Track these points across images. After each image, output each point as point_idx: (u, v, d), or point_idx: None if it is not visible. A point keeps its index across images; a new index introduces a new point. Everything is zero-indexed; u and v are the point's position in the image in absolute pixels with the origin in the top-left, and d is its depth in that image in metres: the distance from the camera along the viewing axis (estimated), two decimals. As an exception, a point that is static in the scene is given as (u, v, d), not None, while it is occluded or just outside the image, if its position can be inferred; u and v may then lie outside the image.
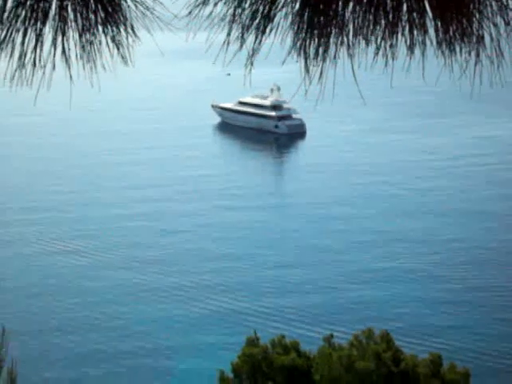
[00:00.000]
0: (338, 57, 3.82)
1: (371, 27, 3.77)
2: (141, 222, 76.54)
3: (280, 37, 3.76)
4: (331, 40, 3.77)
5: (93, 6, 3.88)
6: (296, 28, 3.75)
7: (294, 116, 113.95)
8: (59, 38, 3.88)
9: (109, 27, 3.93)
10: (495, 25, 3.76)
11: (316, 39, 3.76)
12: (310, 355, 23.07)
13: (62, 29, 3.87)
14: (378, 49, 3.79)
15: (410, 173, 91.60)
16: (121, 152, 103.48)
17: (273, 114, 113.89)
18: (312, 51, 3.79)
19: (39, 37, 3.86)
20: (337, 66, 3.87)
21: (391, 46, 3.80)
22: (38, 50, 3.87)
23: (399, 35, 3.80)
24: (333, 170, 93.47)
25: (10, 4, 3.82)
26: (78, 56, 3.95)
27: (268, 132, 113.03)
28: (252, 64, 3.81)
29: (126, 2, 3.90)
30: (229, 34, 3.74)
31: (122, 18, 3.92)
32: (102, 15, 3.91)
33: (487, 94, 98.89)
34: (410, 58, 3.90)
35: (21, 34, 3.83)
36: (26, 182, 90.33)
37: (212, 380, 24.14)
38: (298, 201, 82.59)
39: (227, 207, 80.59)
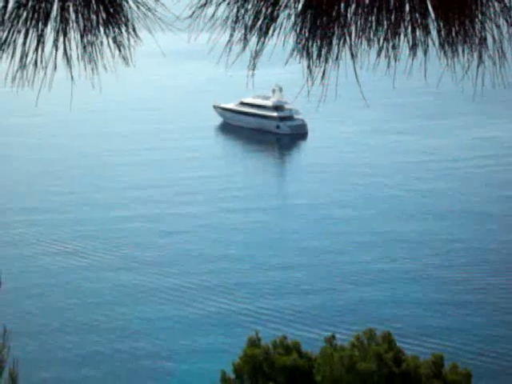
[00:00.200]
0: (341, 58, 3.82)
1: (374, 28, 3.77)
2: (141, 223, 76.52)
3: (283, 38, 3.76)
4: (334, 41, 3.77)
5: (94, 6, 3.88)
6: (298, 29, 3.75)
7: (295, 117, 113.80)
8: (61, 39, 3.88)
9: (110, 28, 3.93)
10: (498, 26, 3.76)
11: (318, 40, 3.76)
12: (311, 356, 23.06)
13: (63, 29, 3.87)
14: (380, 49, 3.79)
15: (411, 174, 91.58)
16: (121, 153, 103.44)
17: (274, 114, 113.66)
18: (314, 52, 3.79)
19: (41, 37, 3.85)
20: (339, 67, 3.87)
21: (393, 46, 3.80)
22: (39, 51, 3.87)
23: (402, 36, 3.80)
24: (334, 171, 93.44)
25: (11, 5, 3.82)
26: (80, 57, 3.95)
27: (270, 133, 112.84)
28: (255, 67, 3.81)
29: (128, 2, 3.90)
30: (232, 35, 3.73)
31: (123, 19, 3.92)
32: (104, 16, 3.91)
33: (488, 95, 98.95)
34: (413, 59, 3.90)
35: (22, 34, 3.83)
36: (26, 183, 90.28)
37: (212, 380, 24.14)
38: (298, 201, 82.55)
39: (228, 208, 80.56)
